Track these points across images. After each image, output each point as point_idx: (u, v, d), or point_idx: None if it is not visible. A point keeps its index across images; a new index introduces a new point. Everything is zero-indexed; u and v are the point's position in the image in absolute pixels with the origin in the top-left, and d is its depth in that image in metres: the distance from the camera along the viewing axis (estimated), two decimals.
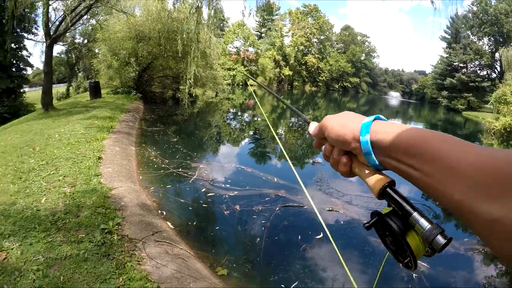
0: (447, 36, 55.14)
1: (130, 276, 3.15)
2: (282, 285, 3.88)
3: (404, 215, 0.57)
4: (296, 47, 67.48)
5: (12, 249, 3.45)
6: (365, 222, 0.64)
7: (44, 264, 3.22)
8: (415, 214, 0.55)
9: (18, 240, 3.61)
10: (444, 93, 52.81)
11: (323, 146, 0.76)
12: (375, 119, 0.64)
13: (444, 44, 55.74)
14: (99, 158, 6.88)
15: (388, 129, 0.59)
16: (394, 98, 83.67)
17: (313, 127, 0.79)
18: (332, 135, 0.68)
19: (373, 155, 0.61)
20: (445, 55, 53.63)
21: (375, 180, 0.63)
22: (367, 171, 0.65)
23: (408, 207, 0.56)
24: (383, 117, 0.65)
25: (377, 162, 0.61)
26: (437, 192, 0.49)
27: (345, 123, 0.66)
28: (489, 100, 29.06)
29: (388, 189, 0.60)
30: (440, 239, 0.51)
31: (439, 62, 55.17)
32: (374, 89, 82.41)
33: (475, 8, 50.44)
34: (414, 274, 4.31)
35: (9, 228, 3.84)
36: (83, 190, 5.06)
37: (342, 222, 5.69)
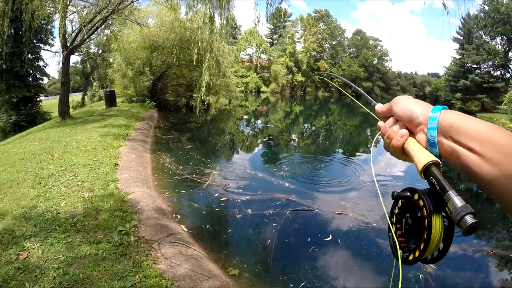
0: (459, 37, 54.03)
1: (146, 274, 3.33)
2: (291, 285, 4.02)
3: (440, 194, 0.59)
4: (308, 53, 67.48)
5: (33, 248, 3.67)
6: (395, 191, 0.71)
7: (64, 262, 3.41)
8: (451, 192, 0.57)
9: (39, 240, 3.83)
10: (458, 95, 51.55)
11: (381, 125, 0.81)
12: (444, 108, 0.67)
13: (457, 45, 54.49)
14: (116, 164, 7.11)
15: (458, 115, 0.63)
16: None
17: (379, 106, 0.85)
18: (402, 108, 0.73)
19: (435, 131, 0.65)
20: (457, 57, 52.59)
21: (424, 155, 0.65)
22: (418, 148, 0.68)
23: (447, 185, 0.59)
24: None
25: (435, 139, 0.65)
26: (488, 176, 0.54)
27: (416, 102, 0.72)
28: (503, 101, 28.45)
29: (432, 167, 0.63)
30: (468, 219, 0.53)
31: (452, 63, 54.00)
32: (387, 93, 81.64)
33: (486, 7, 49.52)
34: (420, 275, 4.38)
35: (30, 230, 4.07)
36: (101, 195, 5.28)
37: (351, 225, 5.79)
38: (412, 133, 0.72)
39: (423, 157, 0.65)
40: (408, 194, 0.68)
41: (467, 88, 49.24)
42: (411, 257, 0.66)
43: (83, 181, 5.87)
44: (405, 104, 0.73)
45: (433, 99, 70.16)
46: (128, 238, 4.00)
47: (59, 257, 3.51)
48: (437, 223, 0.60)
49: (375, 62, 76.62)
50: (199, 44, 11.48)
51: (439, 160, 0.64)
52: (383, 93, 79.68)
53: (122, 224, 4.30)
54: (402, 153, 0.73)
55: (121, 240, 3.93)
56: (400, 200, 0.73)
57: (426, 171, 0.63)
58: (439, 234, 0.60)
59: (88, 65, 41.20)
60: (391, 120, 0.78)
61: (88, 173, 6.33)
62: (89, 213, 4.61)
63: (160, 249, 3.90)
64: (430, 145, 0.66)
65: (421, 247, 0.62)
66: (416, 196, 0.65)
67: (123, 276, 3.27)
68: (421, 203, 0.63)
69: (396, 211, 0.74)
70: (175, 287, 3.23)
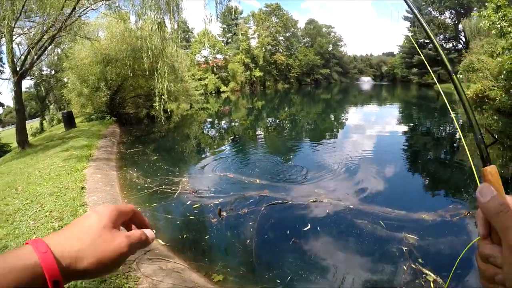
0: (409, 15, 56.19)
1: None
2: (278, 280, 4.02)
3: None
4: (263, 48, 67.93)
5: None
6: None
7: None
8: None
9: None
10: (414, 70, 54.02)
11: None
12: None
13: (408, 24, 56.81)
14: (82, 188, 6.90)
15: None
16: (366, 82, 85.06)
17: (488, 191, 0.47)
18: None
19: None
20: (410, 34, 54.63)
21: None
22: None
23: None
24: None
25: None
26: None
27: None
28: (458, 70, 29.31)
29: None
30: None
31: (405, 41, 56.12)
32: (345, 77, 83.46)
33: None
34: (404, 248, 4.47)
35: None
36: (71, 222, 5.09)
37: (328, 211, 5.85)
38: None
39: None
40: None
41: (422, 63, 51.23)
42: None
43: (51, 211, 5.65)
44: None
45: (391, 77, 72.59)
46: None
47: None
48: None
49: (330, 48, 78.28)
50: (149, 53, 11.27)
51: None
52: (341, 77, 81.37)
53: None
54: None
55: None
56: None
57: None
58: None
59: (42, 88, 39.76)
60: (499, 257, 0.46)
61: (55, 201, 6.10)
62: None
63: (139, 268, 3.81)
64: None
65: None
66: None
67: None
68: None
69: None
70: None
